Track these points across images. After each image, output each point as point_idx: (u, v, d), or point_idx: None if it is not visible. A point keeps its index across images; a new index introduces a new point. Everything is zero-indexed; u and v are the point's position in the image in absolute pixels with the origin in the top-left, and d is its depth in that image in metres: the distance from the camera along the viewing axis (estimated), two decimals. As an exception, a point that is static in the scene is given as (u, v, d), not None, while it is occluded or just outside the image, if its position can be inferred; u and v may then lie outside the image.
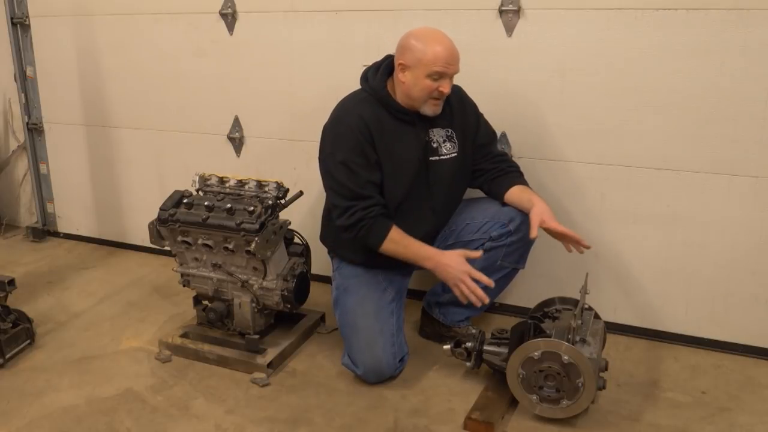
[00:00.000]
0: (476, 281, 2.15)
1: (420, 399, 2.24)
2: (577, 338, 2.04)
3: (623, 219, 2.54)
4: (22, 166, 3.85)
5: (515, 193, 2.35)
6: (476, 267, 2.37)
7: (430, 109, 2.25)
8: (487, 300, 2.16)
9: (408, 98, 2.25)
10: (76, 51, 3.40)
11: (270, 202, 2.38)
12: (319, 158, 2.33)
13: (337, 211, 2.27)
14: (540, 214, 2.22)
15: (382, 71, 2.30)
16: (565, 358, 1.97)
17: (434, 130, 2.34)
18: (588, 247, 2.25)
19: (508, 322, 2.51)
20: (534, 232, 2.21)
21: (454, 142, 2.37)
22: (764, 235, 2.37)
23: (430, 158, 2.33)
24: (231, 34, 3.02)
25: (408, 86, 2.22)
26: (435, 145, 2.34)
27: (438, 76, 2.17)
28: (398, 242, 2.23)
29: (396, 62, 2.24)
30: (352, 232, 2.25)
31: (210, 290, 2.51)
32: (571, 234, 2.22)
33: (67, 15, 3.35)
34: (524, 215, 2.33)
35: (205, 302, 2.58)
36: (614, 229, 2.56)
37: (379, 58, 2.35)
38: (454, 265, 2.17)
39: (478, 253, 2.22)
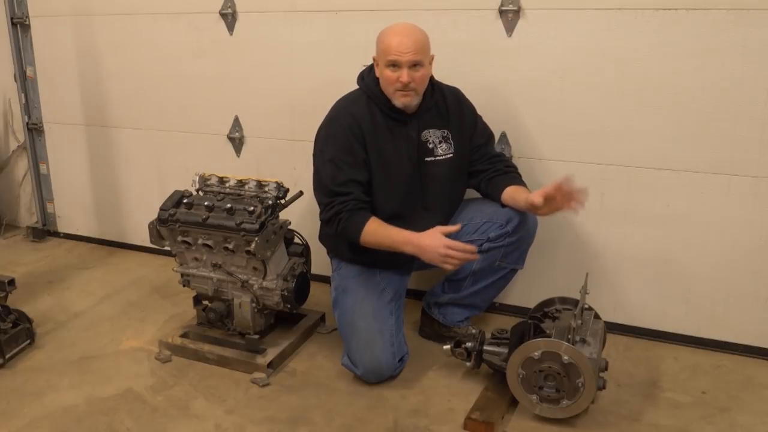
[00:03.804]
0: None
1: (420, 399, 2.23)
2: (577, 338, 2.04)
3: (623, 219, 2.54)
4: (22, 166, 3.85)
5: (509, 193, 2.34)
6: (476, 267, 2.39)
7: (399, 101, 2.25)
8: (476, 252, 2.13)
9: (385, 93, 2.27)
10: (76, 51, 3.40)
11: (270, 202, 2.38)
12: (313, 155, 2.37)
13: (320, 207, 2.32)
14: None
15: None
16: (565, 358, 1.97)
17: (430, 130, 2.35)
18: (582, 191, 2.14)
19: (508, 322, 2.50)
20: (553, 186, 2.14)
21: (450, 143, 2.38)
22: (764, 235, 2.37)
23: (426, 159, 2.34)
24: (231, 34, 3.02)
25: (381, 80, 2.26)
26: (431, 146, 2.35)
27: (393, 64, 2.19)
28: (376, 231, 2.22)
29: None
30: (332, 225, 2.27)
31: (210, 290, 2.51)
32: (558, 183, 2.11)
33: (67, 15, 3.35)
34: (522, 215, 2.33)
35: (205, 302, 2.58)
36: (614, 229, 2.56)
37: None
38: (434, 244, 2.11)
39: (456, 227, 2.18)
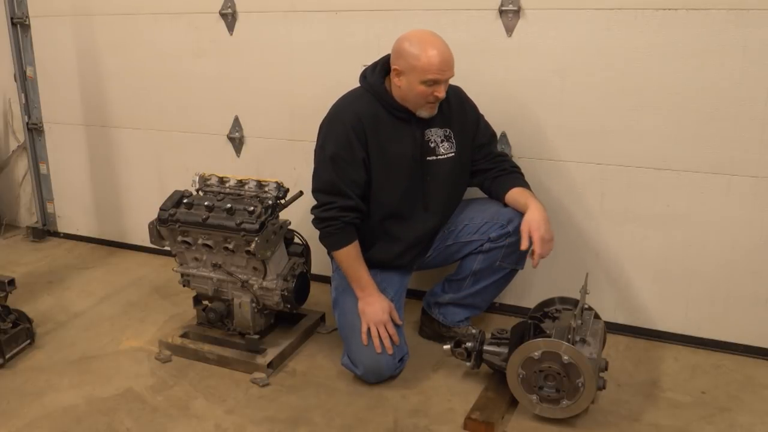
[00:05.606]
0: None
1: (420, 399, 2.23)
2: (577, 338, 2.04)
3: (623, 219, 2.54)
4: (22, 166, 3.85)
5: (513, 196, 2.35)
6: (476, 267, 2.39)
7: (426, 112, 2.27)
8: (390, 351, 2.27)
9: (404, 101, 2.27)
10: (76, 51, 3.40)
11: (270, 202, 2.38)
12: (314, 151, 2.37)
13: (316, 203, 2.33)
14: (528, 222, 2.23)
15: (379, 69, 2.31)
16: (565, 358, 1.97)
17: (432, 129, 2.35)
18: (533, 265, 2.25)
19: (508, 322, 2.51)
20: (524, 243, 2.22)
21: (452, 142, 2.38)
22: (764, 235, 2.37)
23: (428, 158, 2.34)
24: (231, 34, 3.02)
25: (404, 91, 2.24)
26: (433, 145, 2.35)
27: (432, 82, 2.18)
28: (349, 257, 2.32)
29: (391, 66, 2.25)
30: (320, 225, 2.32)
31: (210, 290, 2.51)
32: (537, 252, 2.21)
33: (67, 15, 3.35)
34: (523, 216, 2.33)
35: (205, 302, 2.58)
36: (614, 229, 2.56)
37: (378, 58, 2.35)
38: (378, 309, 2.27)
39: (399, 321, 2.35)
